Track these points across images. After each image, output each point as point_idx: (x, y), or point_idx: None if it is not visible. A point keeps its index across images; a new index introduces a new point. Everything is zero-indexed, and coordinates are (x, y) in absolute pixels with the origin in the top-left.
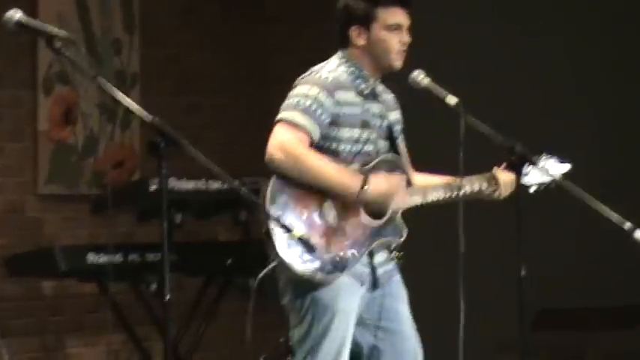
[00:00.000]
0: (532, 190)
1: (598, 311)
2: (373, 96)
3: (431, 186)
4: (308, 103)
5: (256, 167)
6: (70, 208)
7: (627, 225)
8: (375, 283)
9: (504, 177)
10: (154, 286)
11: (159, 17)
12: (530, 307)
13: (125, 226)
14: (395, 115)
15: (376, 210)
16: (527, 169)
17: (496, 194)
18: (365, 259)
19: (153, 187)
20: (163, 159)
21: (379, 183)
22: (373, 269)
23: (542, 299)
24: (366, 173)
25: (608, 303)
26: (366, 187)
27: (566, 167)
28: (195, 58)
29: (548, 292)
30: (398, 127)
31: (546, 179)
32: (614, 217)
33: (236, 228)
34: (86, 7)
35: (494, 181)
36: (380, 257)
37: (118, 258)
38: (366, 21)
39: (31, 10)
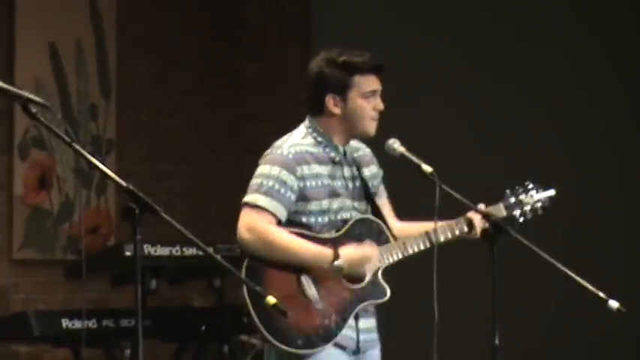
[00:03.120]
0: (521, 219)
1: None
2: (343, 160)
3: (405, 240)
4: (270, 183)
5: (227, 235)
6: (45, 273)
7: (601, 294)
8: (357, 349)
9: (477, 219)
10: (127, 352)
11: (135, 82)
12: None
13: (99, 292)
14: (370, 171)
15: (355, 274)
16: (511, 200)
17: (472, 234)
18: (351, 322)
19: (127, 253)
20: (138, 225)
21: (350, 253)
22: (357, 333)
23: None
24: (335, 246)
25: None
26: (336, 261)
27: (551, 192)
28: (169, 124)
29: None
30: (375, 182)
31: (532, 207)
32: (588, 286)
33: (210, 294)
34: (63, 72)
35: (468, 222)
36: (365, 323)
37: (92, 323)
38: (342, 89)
39: (7, 75)
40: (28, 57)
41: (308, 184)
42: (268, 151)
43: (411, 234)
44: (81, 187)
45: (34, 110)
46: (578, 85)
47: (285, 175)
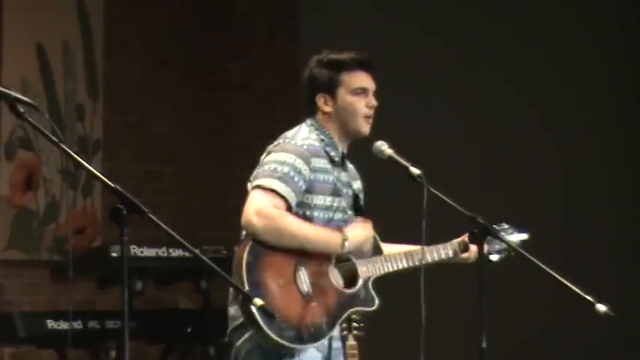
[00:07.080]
0: (493, 259)
1: None
2: (342, 164)
3: (396, 255)
4: (285, 170)
5: (214, 236)
6: (30, 274)
7: (589, 298)
8: (328, 356)
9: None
10: (113, 354)
11: (122, 83)
12: None
13: (85, 293)
14: (357, 184)
15: (348, 278)
16: (487, 239)
17: (466, 259)
18: None
19: (114, 254)
20: (125, 226)
21: (356, 231)
22: (330, 341)
23: None
24: (340, 229)
25: None
26: (346, 242)
27: (524, 236)
28: (157, 124)
29: None
30: (361, 196)
31: (505, 248)
32: (576, 290)
33: (196, 296)
34: (50, 72)
35: (464, 247)
36: (335, 331)
37: (77, 325)
38: (331, 87)
39: None
40: (15, 57)
41: (318, 177)
42: (280, 141)
43: (396, 252)
44: (67, 188)
45: (21, 110)
46: (569, 82)
47: (300, 163)
